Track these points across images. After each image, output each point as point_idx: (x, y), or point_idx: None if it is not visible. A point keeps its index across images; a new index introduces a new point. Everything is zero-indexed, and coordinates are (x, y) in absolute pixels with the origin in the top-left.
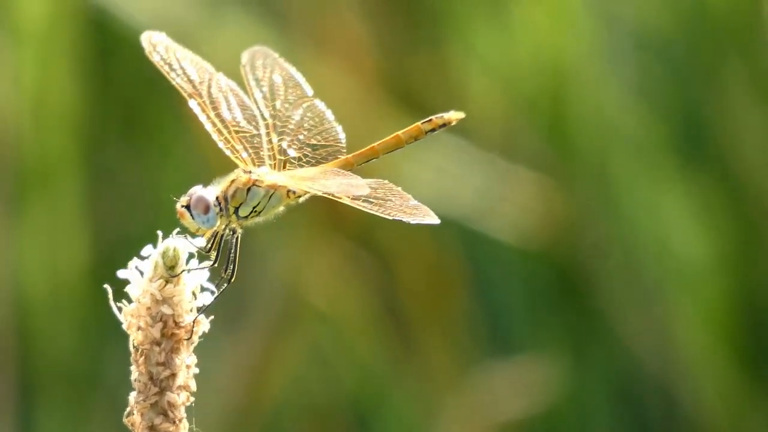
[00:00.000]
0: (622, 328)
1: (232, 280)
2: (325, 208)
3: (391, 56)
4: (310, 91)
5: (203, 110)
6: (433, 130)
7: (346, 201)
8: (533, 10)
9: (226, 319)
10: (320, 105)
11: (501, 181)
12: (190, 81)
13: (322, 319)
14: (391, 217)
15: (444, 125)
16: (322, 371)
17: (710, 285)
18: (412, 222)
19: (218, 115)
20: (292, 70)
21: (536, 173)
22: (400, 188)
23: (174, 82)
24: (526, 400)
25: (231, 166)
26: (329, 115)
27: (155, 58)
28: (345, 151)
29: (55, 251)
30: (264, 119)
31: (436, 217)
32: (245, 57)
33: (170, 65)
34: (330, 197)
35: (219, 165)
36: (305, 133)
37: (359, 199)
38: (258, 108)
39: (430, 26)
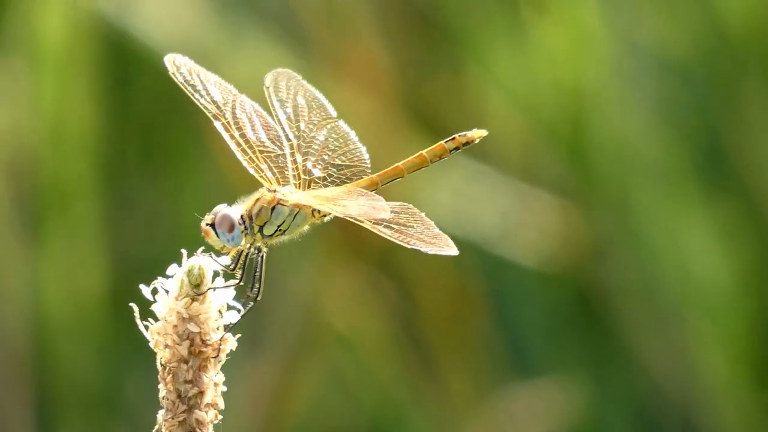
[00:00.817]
0: (643, 351)
1: (259, 298)
2: (345, 232)
3: (410, 79)
4: (333, 113)
5: (227, 130)
6: (456, 148)
7: (367, 225)
8: (553, 33)
9: (247, 341)
10: (344, 126)
11: (521, 204)
12: (214, 102)
13: (342, 342)
14: (409, 246)
15: (467, 143)
16: (342, 394)
17: (730, 309)
18: (429, 252)
19: (243, 136)
20: (316, 91)
21: (556, 197)
22: (423, 214)
23: (198, 103)
24: (546, 423)
25: (253, 189)
26: (353, 135)
27: (179, 80)
28: (370, 171)
29: (75, 275)
30: (288, 140)
31: (456, 248)
32: (268, 79)
33: (194, 87)
34: (351, 220)
35: (240, 188)
36: (330, 153)
37: (380, 224)
38: (282, 129)
39: (450, 49)
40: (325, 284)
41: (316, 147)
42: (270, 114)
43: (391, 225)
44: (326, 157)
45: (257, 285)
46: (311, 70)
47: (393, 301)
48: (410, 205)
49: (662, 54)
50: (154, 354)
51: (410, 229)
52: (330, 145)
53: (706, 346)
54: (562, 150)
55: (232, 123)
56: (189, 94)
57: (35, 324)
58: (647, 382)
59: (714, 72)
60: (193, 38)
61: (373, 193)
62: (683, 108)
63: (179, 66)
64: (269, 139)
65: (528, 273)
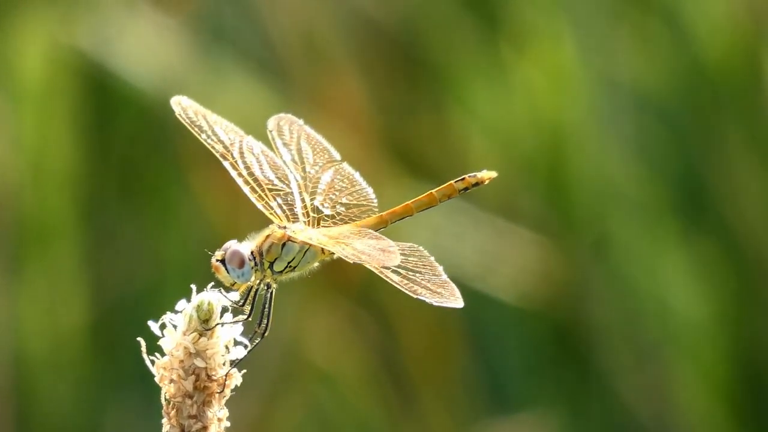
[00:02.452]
0: (621, 387)
1: (266, 334)
2: (325, 266)
3: (390, 117)
4: (337, 156)
5: (235, 168)
6: (466, 188)
7: (375, 270)
8: (531, 72)
9: None
10: (348, 168)
11: (500, 241)
12: (221, 142)
13: (322, 378)
14: (415, 296)
15: (477, 184)
16: (322, 429)
17: (709, 345)
18: (435, 304)
19: (251, 174)
20: (318, 136)
21: (536, 234)
22: (432, 258)
23: (206, 143)
24: None
25: (234, 230)
26: (358, 176)
27: (186, 121)
28: (377, 209)
29: (55, 310)
30: (296, 180)
31: (461, 301)
32: (271, 123)
33: (200, 127)
34: (360, 263)
35: (221, 225)
36: (336, 192)
37: (388, 268)
38: (288, 169)
39: (430, 87)
40: (306, 319)
41: (322, 187)
42: (275, 155)
43: (399, 270)
44: (333, 197)
45: (265, 321)
46: (291, 107)
47: (373, 336)
48: (419, 248)
49: (640, 91)
50: (135, 389)
51: (418, 275)
52: (336, 186)
53: (685, 382)
54: (542, 187)
55: (239, 162)
56: (196, 135)
57: (15, 358)
58: (625, 417)
59: (693, 109)
60: (173, 75)
61: (383, 236)
62: (662, 145)
63: (185, 108)
64: (277, 178)
65: (507, 309)
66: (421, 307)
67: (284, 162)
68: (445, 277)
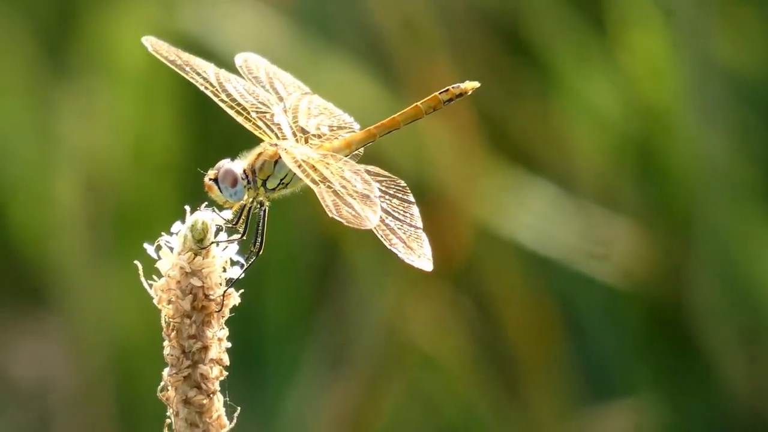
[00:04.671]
0: (724, 371)
1: (260, 253)
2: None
3: (491, 104)
4: (307, 88)
5: (217, 95)
6: (450, 99)
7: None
8: (631, 57)
9: (329, 361)
10: (320, 98)
11: (601, 226)
12: (198, 74)
13: (424, 362)
14: (389, 246)
15: (460, 95)
16: (424, 413)
17: None
18: (405, 260)
19: (233, 100)
20: (285, 72)
21: (635, 218)
22: (413, 202)
23: (186, 76)
24: None
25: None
26: (332, 105)
27: (161, 58)
28: (359, 131)
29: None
30: (276, 105)
31: (431, 263)
32: (239, 59)
33: (175, 63)
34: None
35: (322, 213)
36: (317, 116)
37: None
38: (267, 96)
39: (531, 75)
40: (407, 303)
41: (302, 112)
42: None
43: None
44: (315, 120)
45: (259, 239)
46: (389, 93)
47: (473, 319)
48: (402, 184)
49: (736, 77)
50: (239, 372)
51: (397, 222)
52: (314, 111)
53: None
54: (641, 172)
55: (220, 90)
56: (174, 69)
57: (114, 345)
58: (730, 401)
59: None
60: (274, 58)
61: (372, 173)
62: (758, 129)
63: (158, 47)
64: (259, 102)
65: (608, 293)
66: (522, 291)
67: (261, 90)
68: (420, 229)
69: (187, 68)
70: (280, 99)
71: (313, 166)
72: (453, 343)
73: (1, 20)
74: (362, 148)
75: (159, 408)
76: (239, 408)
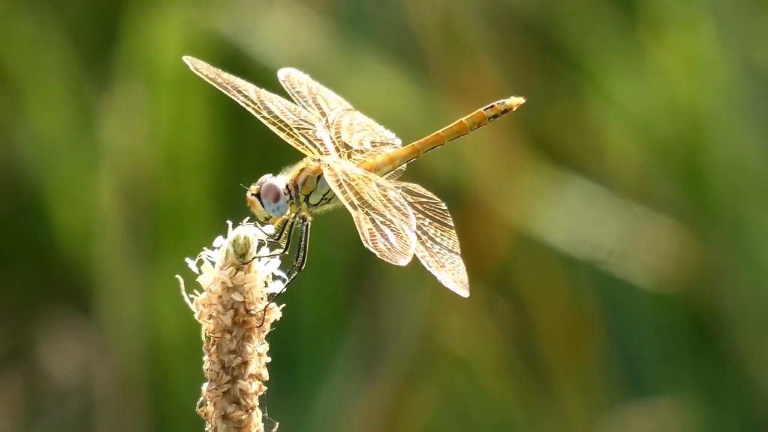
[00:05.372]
0: (759, 372)
1: (303, 268)
2: (462, 254)
3: (527, 104)
4: (349, 105)
5: (259, 112)
6: (495, 116)
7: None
8: (669, 58)
9: (364, 362)
10: (362, 114)
11: (637, 226)
12: (240, 92)
13: (459, 364)
14: (434, 273)
15: (506, 111)
16: (458, 414)
17: None
18: (445, 285)
19: (275, 117)
20: (327, 89)
21: (673, 219)
22: (452, 225)
23: (227, 93)
24: None
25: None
26: (374, 121)
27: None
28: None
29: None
30: (319, 121)
31: (467, 291)
32: (282, 74)
33: (216, 81)
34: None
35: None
36: (360, 132)
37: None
38: (309, 112)
39: (567, 74)
40: (442, 306)
41: (345, 128)
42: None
43: (420, 236)
44: (358, 136)
45: (302, 254)
46: (427, 94)
47: (508, 321)
48: (441, 204)
49: None
50: (273, 372)
51: (437, 246)
52: (356, 127)
53: None
54: (679, 173)
55: (261, 107)
56: (215, 86)
57: (150, 346)
58: (763, 404)
59: None
60: (310, 60)
61: (410, 214)
62: None
63: (198, 66)
64: (301, 119)
65: (644, 294)
66: (557, 292)
67: (303, 107)
68: (458, 255)
69: (229, 86)
70: (323, 114)
71: (353, 186)
72: (487, 345)
73: (43, 26)
74: (405, 165)
75: (192, 412)
76: (278, 423)
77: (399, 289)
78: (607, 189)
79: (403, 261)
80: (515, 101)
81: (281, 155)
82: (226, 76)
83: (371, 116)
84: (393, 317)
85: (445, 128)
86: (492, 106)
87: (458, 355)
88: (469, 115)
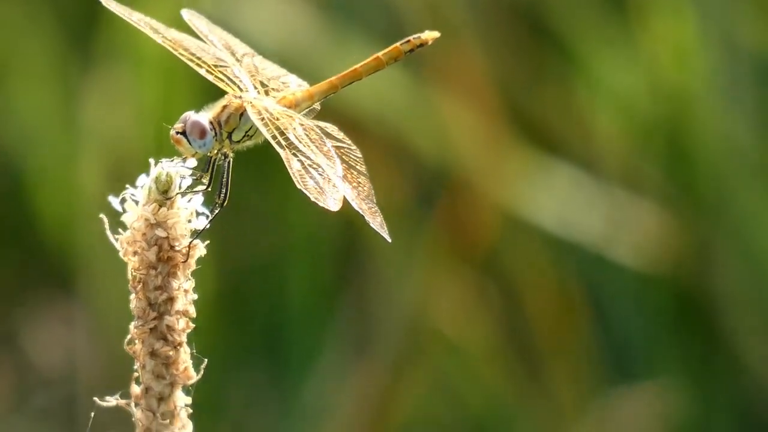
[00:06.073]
0: (748, 354)
1: (225, 204)
2: (447, 238)
3: (514, 88)
4: (252, 49)
5: (175, 48)
6: (411, 50)
7: (282, 153)
8: (655, 42)
9: (353, 347)
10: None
11: (624, 209)
12: (153, 29)
13: (448, 348)
14: (299, 187)
15: (421, 45)
16: (447, 399)
17: None
18: (373, 227)
19: (190, 52)
20: (227, 33)
21: (659, 201)
22: (369, 182)
23: (143, 30)
24: (650, 428)
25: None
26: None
27: (116, 10)
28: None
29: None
30: (231, 59)
31: (336, 206)
32: (186, 15)
33: (128, 17)
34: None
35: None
36: (272, 72)
37: (296, 155)
38: (220, 51)
39: (554, 58)
40: (431, 290)
41: (258, 68)
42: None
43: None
44: (271, 74)
45: (224, 190)
46: (413, 78)
47: (498, 305)
48: (360, 158)
49: (763, 58)
50: (261, 360)
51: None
52: (268, 67)
53: None
54: (665, 155)
55: (177, 46)
56: (129, 21)
57: None
58: (753, 385)
59: None
60: (297, 43)
61: (335, 157)
62: None
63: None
64: (218, 58)
65: (632, 277)
66: (546, 275)
67: (213, 47)
68: (375, 203)
69: (142, 23)
70: (232, 54)
71: (276, 124)
72: (477, 329)
73: (27, 9)
74: (320, 103)
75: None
76: (206, 360)
77: (388, 272)
78: (595, 171)
79: (335, 206)
80: (430, 35)
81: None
82: (137, 15)
83: (361, 100)
84: (382, 301)
85: (362, 63)
86: (408, 41)
87: (447, 338)
88: (385, 50)
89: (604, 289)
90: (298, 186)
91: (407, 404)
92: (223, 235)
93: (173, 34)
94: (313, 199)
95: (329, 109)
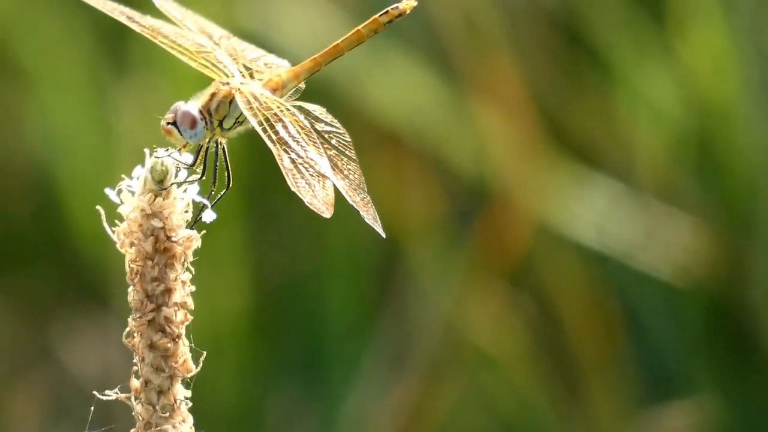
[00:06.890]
0: None
1: (230, 185)
2: (483, 251)
3: (551, 100)
4: (226, 31)
5: (153, 37)
6: (390, 21)
7: (273, 148)
8: (695, 52)
9: (388, 357)
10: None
11: (663, 221)
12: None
13: (483, 360)
14: (293, 189)
15: (400, 15)
16: (482, 410)
17: None
18: (307, 203)
19: (173, 41)
20: (199, 16)
21: (696, 214)
22: (359, 169)
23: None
24: None
25: (399, 209)
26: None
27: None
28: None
29: (216, 295)
30: (211, 44)
31: (329, 213)
32: (157, 1)
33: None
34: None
35: (387, 204)
36: (253, 54)
37: (289, 153)
38: (199, 37)
39: (591, 70)
40: (467, 303)
41: (238, 51)
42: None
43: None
44: (250, 56)
45: (226, 173)
46: (451, 91)
47: (533, 318)
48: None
49: None
50: (297, 374)
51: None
52: (247, 50)
53: None
54: (701, 166)
55: (157, 34)
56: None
57: None
58: None
59: None
60: (337, 61)
61: (324, 156)
62: None
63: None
64: (198, 44)
65: (667, 289)
66: (581, 287)
67: (190, 31)
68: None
69: (116, 12)
70: (210, 38)
71: (265, 114)
72: (512, 342)
73: (62, 17)
74: (304, 83)
75: (220, 410)
76: (205, 352)
77: (425, 286)
78: (633, 183)
79: (327, 212)
80: (408, 4)
81: None
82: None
83: (397, 110)
84: (419, 314)
85: (343, 38)
86: (386, 12)
87: (483, 351)
88: (364, 23)
89: (639, 302)
90: (292, 188)
91: (443, 416)
92: (263, 248)
93: (150, 21)
94: (307, 203)
95: (365, 124)
